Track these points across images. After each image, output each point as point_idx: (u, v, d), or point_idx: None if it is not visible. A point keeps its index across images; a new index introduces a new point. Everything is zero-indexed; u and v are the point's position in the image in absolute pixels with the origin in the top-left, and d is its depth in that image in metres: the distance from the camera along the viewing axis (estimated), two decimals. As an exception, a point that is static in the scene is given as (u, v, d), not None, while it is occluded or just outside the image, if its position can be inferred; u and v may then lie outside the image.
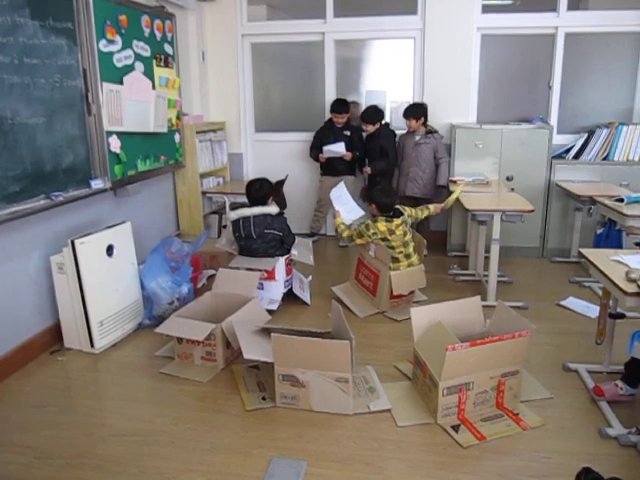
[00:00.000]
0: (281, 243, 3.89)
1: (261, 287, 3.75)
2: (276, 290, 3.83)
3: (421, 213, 4.08)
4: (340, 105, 5.22)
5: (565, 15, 5.03)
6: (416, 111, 5.01)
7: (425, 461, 2.31)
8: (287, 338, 2.62)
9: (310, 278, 4.27)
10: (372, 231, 3.78)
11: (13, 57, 2.86)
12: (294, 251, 4.01)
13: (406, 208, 3.98)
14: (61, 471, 2.26)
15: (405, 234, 3.82)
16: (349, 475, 2.23)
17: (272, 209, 3.87)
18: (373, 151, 5.21)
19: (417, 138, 5.04)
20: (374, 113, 5.13)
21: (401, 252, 3.81)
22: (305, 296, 4.01)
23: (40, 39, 3.05)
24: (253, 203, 3.91)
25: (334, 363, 2.55)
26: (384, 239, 3.77)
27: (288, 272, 3.93)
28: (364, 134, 5.29)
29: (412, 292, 3.95)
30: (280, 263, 3.82)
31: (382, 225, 3.76)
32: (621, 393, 2.63)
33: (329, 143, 5.18)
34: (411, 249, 3.88)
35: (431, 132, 5.04)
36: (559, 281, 4.46)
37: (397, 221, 3.76)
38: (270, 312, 3.49)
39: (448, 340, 2.56)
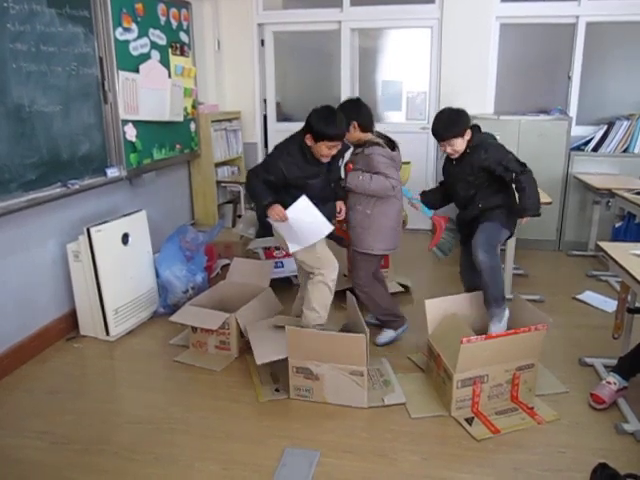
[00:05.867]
0: None
1: (281, 265, 3.74)
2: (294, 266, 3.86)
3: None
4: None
5: (586, 4, 4.93)
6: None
7: (439, 453, 2.30)
8: (302, 331, 2.62)
9: None
10: None
11: (30, 45, 2.87)
12: None
13: None
14: (77, 457, 2.29)
15: None
16: (362, 466, 2.23)
17: None
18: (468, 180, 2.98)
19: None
20: (458, 119, 2.91)
21: None
22: None
23: (57, 27, 3.05)
24: None
25: (349, 356, 2.55)
26: None
27: None
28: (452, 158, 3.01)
29: (384, 267, 3.80)
30: None
31: None
32: (615, 389, 2.58)
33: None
34: None
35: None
36: (576, 275, 4.41)
37: None
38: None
39: (463, 332, 2.55)
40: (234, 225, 5.22)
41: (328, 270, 2.91)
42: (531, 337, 2.51)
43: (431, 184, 5.51)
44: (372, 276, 3.16)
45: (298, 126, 2.80)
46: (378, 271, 3.29)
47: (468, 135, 2.91)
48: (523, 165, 2.91)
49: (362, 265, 3.10)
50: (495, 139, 3.05)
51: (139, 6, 3.77)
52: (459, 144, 2.90)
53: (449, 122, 2.89)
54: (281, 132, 5.79)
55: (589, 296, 3.90)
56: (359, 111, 2.98)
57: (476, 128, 3.01)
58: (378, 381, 2.81)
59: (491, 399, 2.56)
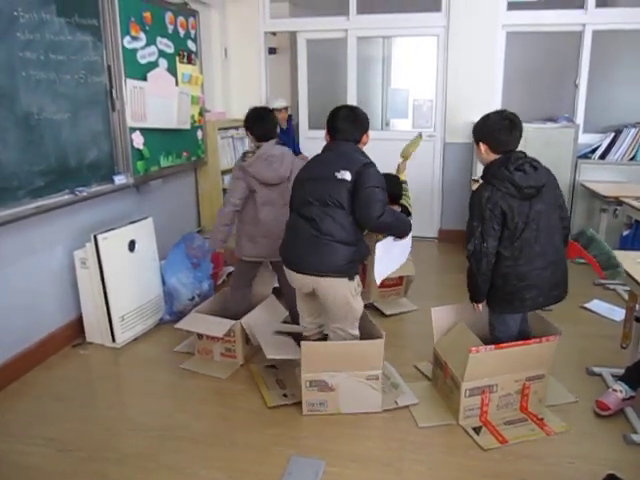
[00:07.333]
0: None
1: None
2: None
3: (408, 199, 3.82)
4: None
5: (593, 12, 4.93)
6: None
7: (445, 463, 2.28)
8: (318, 344, 2.61)
9: None
10: None
11: (39, 53, 2.89)
12: None
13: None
14: (83, 464, 2.28)
15: None
16: (368, 475, 2.21)
17: None
18: None
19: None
20: (477, 124, 2.55)
21: None
22: None
23: (66, 35, 3.07)
24: None
25: (366, 362, 2.54)
26: None
27: None
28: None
29: (399, 284, 3.92)
30: None
31: None
32: (621, 397, 2.55)
33: None
34: None
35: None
36: (583, 283, 4.37)
37: None
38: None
39: (470, 341, 2.53)
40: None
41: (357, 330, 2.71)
42: (542, 348, 2.49)
43: (437, 193, 5.52)
44: (237, 281, 3.30)
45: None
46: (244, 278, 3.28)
47: (485, 152, 2.42)
48: (477, 244, 2.39)
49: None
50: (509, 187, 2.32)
51: (147, 15, 3.80)
52: (478, 152, 2.50)
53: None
54: (312, 139, 5.70)
55: (597, 305, 3.87)
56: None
57: (505, 158, 2.36)
58: (387, 384, 2.79)
59: (500, 409, 2.54)
